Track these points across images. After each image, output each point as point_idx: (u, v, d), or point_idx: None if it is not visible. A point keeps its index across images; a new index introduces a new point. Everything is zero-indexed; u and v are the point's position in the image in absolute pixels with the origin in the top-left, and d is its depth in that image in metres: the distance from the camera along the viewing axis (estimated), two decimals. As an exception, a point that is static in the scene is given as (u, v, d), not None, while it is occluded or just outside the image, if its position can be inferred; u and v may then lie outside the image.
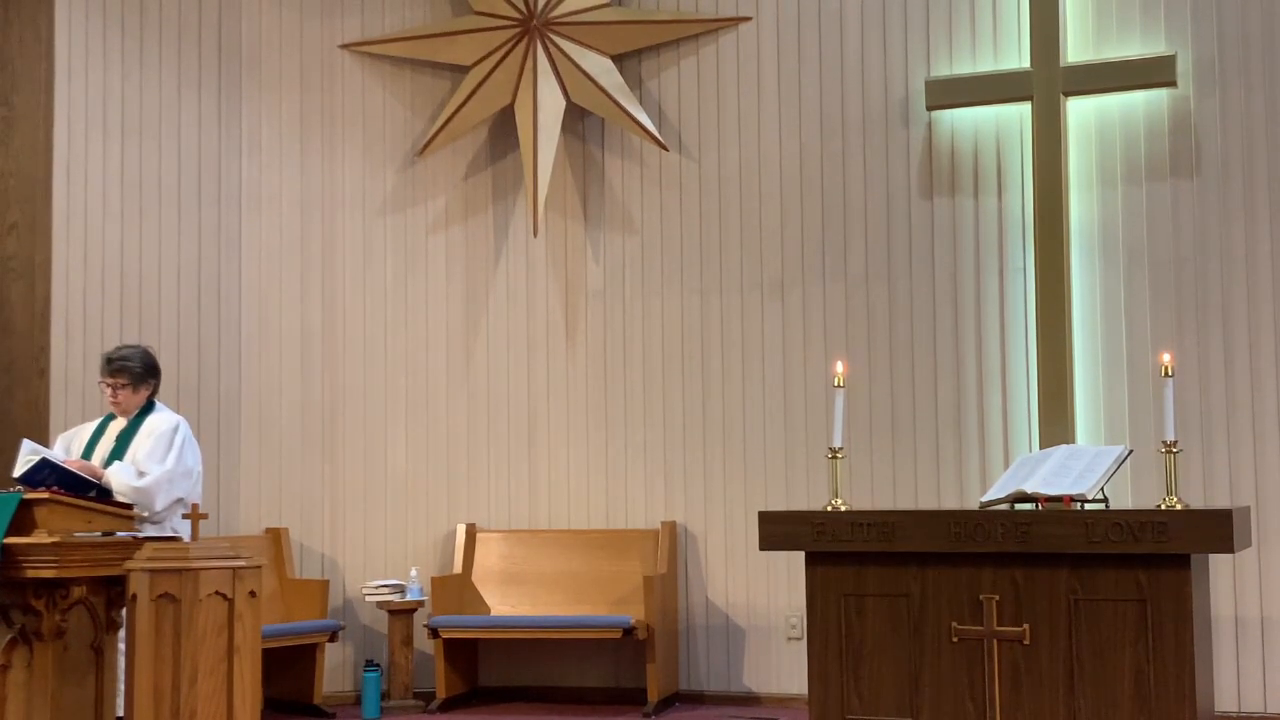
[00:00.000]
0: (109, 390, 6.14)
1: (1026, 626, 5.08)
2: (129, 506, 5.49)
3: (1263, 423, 6.99)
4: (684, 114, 8.04)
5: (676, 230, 8.03)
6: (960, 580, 5.18)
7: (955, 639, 5.17)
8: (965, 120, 7.52)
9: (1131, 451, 5.58)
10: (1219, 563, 6.70)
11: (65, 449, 6.09)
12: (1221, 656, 6.79)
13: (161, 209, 7.94)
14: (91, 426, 6.18)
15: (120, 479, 5.76)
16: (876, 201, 7.66)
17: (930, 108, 7.53)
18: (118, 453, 5.99)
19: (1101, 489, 5.23)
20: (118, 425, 6.12)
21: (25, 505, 5.07)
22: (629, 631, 7.37)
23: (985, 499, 5.52)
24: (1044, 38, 7.30)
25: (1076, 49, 7.33)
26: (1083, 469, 5.32)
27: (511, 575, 8.03)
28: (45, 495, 5.15)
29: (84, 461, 5.89)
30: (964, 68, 7.54)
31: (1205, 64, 7.17)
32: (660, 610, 7.50)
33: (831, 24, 7.79)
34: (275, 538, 7.99)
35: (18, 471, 5.69)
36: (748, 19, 7.94)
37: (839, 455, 5.64)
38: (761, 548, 5.58)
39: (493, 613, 7.94)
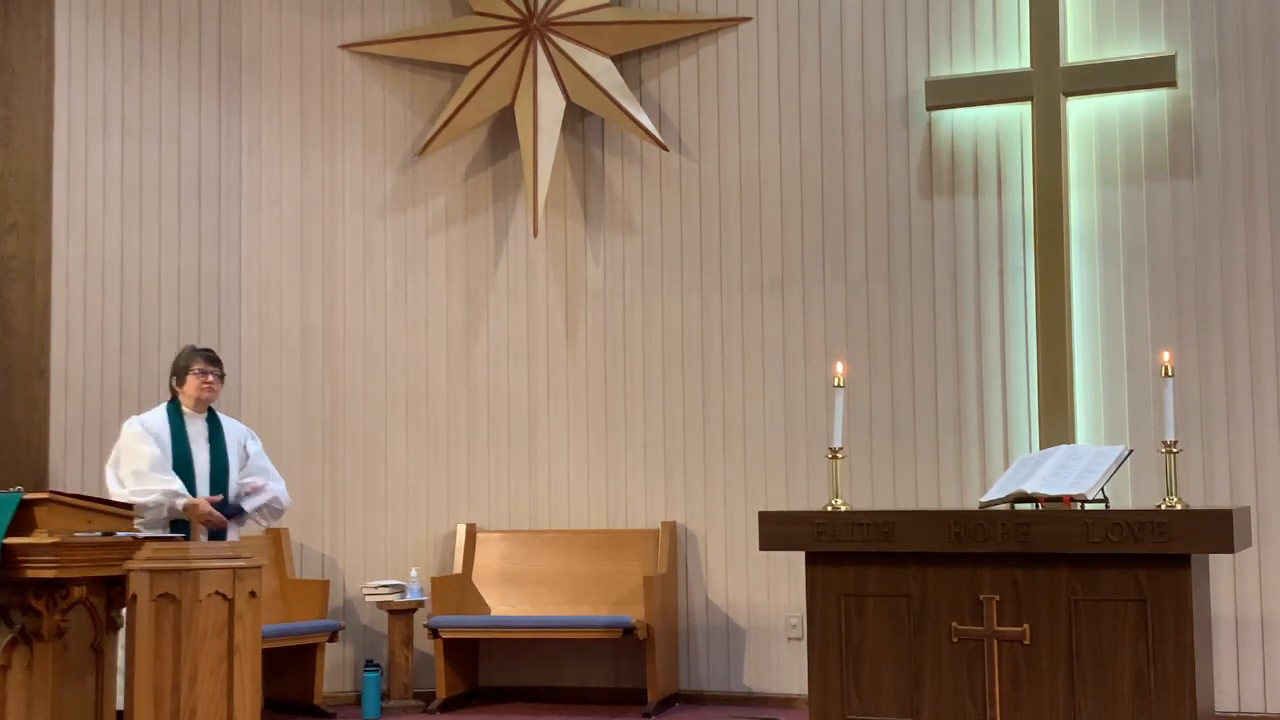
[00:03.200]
0: (209, 380, 6.21)
1: (1026, 626, 5.08)
2: (129, 506, 5.50)
3: (1263, 423, 6.99)
4: (684, 114, 8.04)
5: (676, 230, 8.03)
6: (960, 580, 5.18)
7: (955, 639, 5.17)
8: (965, 120, 7.52)
9: (1131, 451, 5.58)
10: (1219, 563, 6.70)
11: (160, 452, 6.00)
12: (1221, 656, 6.79)
13: (161, 209, 7.94)
14: (164, 432, 6.04)
15: (285, 497, 6.34)
16: (876, 201, 7.66)
17: (930, 108, 7.53)
18: (220, 461, 6.11)
19: (1101, 489, 5.23)
20: (199, 429, 6.11)
21: (25, 505, 5.07)
22: (629, 631, 7.37)
23: (985, 499, 5.52)
24: (1044, 38, 7.30)
25: (1076, 49, 7.33)
26: (1083, 469, 5.32)
27: (511, 575, 8.03)
28: (45, 495, 5.15)
29: (253, 480, 6.10)
30: (964, 68, 7.54)
31: (1205, 64, 7.17)
32: (660, 610, 7.50)
33: (831, 24, 7.79)
34: (275, 538, 7.99)
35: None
36: (748, 19, 7.94)
37: (839, 455, 5.64)
38: (761, 548, 5.58)
39: (493, 613, 7.94)
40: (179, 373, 6.28)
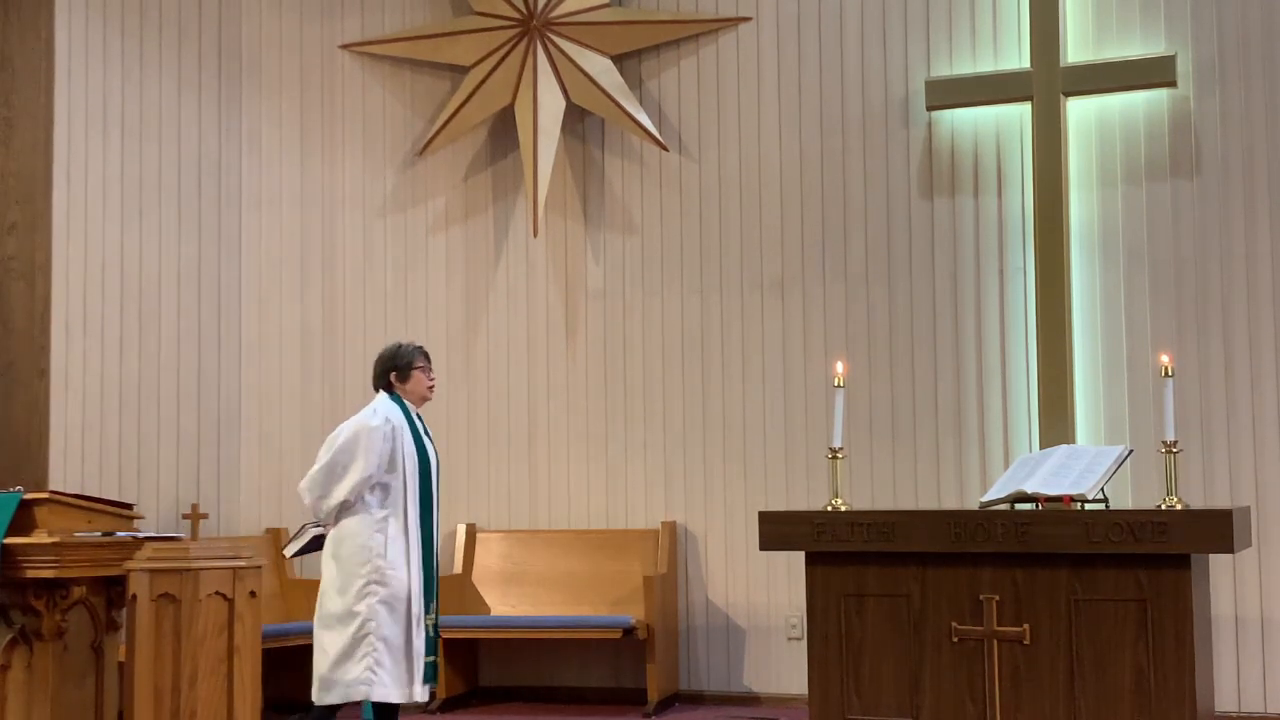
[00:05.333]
0: (434, 379, 6.06)
1: (1026, 626, 5.08)
2: (129, 506, 5.51)
3: (1263, 423, 6.99)
4: (684, 114, 8.04)
5: (676, 230, 8.03)
6: (960, 580, 5.18)
7: (955, 639, 5.17)
8: (965, 120, 7.52)
9: (1131, 451, 5.58)
10: (1219, 563, 6.70)
11: (392, 447, 5.78)
12: (1221, 656, 6.79)
13: (161, 209, 7.94)
14: (404, 428, 5.84)
15: None
16: (876, 201, 7.66)
17: (930, 108, 7.53)
18: (437, 460, 6.02)
19: (1101, 489, 5.24)
20: (419, 425, 5.96)
21: (25, 505, 5.08)
22: (629, 631, 7.37)
23: (985, 499, 5.53)
24: (1044, 38, 7.30)
25: (1076, 49, 7.33)
26: (1083, 469, 5.32)
27: (511, 575, 8.03)
28: (45, 495, 5.16)
29: None
30: (964, 68, 7.55)
31: (1205, 64, 7.17)
32: (660, 610, 7.50)
33: (831, 24, 7.80)
34: (275, 538, 7.99)
35: (290, 551, 5.90)
36: (748, 19, 7.94)
37: (839, 455, 5.64)
38: (761, 548, 5.58)
39: (493, 613, 7.94)
40: (402, 368, 5.92)
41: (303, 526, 5.91)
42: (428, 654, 5.75)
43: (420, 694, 5.72)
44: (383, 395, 5.94)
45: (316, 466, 5.75)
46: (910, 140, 7.63)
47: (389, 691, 5.62)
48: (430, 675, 5.79)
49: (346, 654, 5.57)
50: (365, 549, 5.66)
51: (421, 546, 5.78)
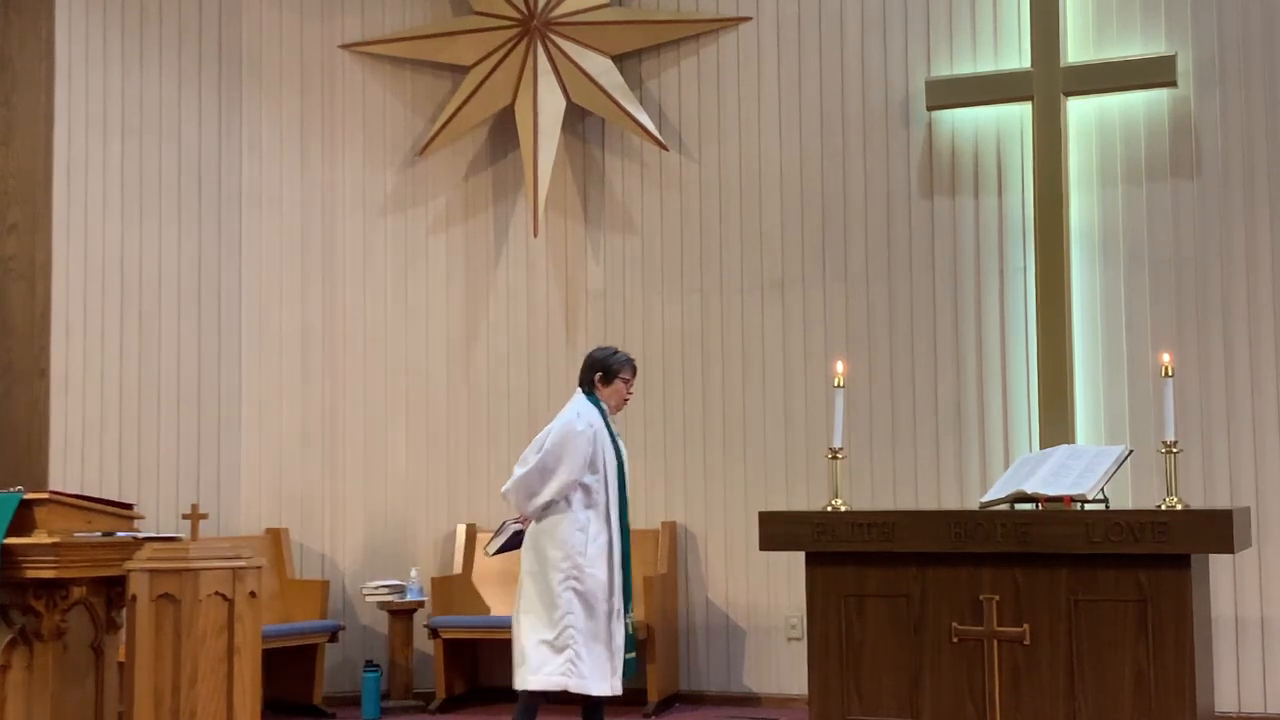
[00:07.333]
0: (633, 391, 6.29)
1: (1026, 626, 5.08)
2: (129, 506, 5.50)
3: (1263, 423, 6.99)
4: (684, 114, 8.04)
5: (676, 230, 8.03)
6: (960, 580, 5.18)
7: (955, 639, 5.17)
8: (965, 120, 7.52)
9: (1131, 451, 5.58)
10: (1219, 563, 6.70)
11: (594, 450, 6.02)
12: (1221, 656, 6.79)
13: (161, 209, 7.94)
14: (602, 431, 6.07)
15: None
16: (876, 201, 7.66)
17: (930, 108, 7.53)
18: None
19: (1101, 489, 5.23)
20: (612, 426, 6.19)
21: (25, 505, 5.08)
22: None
23: (985, 499, 5.52)
24: (1044, 38, 7.30)
25: (1076, 49, 7.33)
26: (1083, 469, 5.32)
27: (511, 575, 7.95)
28: (45, 495, 5.16)
29: None
30: (964, 68, 7.55)
31: (1205, 64, 7.17)
32: (660, 610, 7.50)
33: (831, 24, 7.80)
34: (275, 538, 7.99)
35: (492, 549, 6.21)
36: (748, 19, 7.95)
37: (839, 455, 5.64)
38: (762, 548, 5.58)
39: (493, 613, 7.93)
40: (609, 372, 6.16)
41: (504, 524, 6.24)
42: (627, 650, 6.02)
43: (618, 687, 5.99)
44: (581, 395, 6.20)
45: (524, 470, 6.04)
46: (910, 140, 7.63)
47: (588, 684, 5.91)
48: (629, 670, 6.07)
49: (547, 641, 5.89)
50: (567, 545, 5.95)
51: (621, 544, 6.05)
